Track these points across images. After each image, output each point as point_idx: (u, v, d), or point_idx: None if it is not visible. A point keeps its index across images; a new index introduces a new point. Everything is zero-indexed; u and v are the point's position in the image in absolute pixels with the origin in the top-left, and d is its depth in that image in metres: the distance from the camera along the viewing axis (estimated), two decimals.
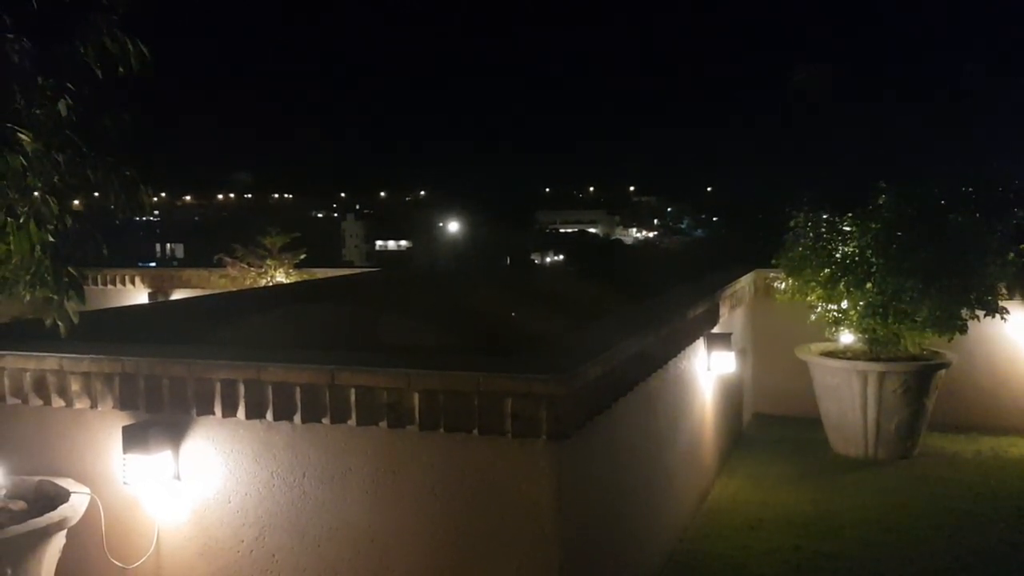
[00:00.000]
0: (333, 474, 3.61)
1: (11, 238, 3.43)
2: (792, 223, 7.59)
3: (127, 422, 3.86)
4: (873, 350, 7.13)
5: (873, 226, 7.01)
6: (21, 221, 3.42)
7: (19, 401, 4.09)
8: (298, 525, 3.67)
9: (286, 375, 3.58)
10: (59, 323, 3.61)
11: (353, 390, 3.48)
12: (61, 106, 3.50)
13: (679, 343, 5.23)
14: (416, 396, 3.40)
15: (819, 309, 7.34)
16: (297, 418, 3.59)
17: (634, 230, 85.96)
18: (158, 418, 3.83)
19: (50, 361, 3.99)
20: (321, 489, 3.62)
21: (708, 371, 6.23)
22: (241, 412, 3.66)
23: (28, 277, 3.54)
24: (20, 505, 3.68)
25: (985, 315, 6.90)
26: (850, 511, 5.85)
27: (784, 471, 6.77)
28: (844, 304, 7.15)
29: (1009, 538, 5.38)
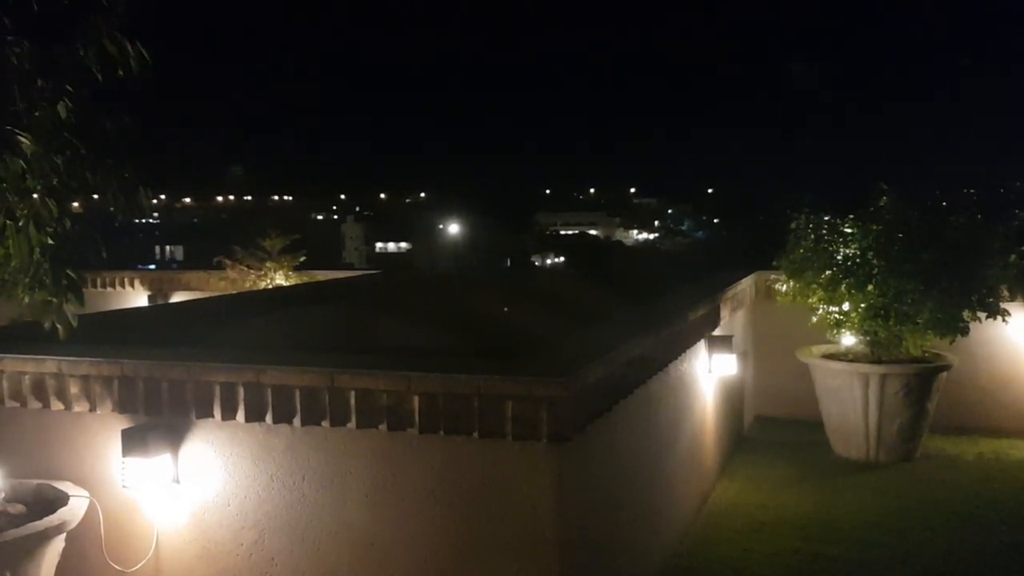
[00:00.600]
0: (333, 477, 3.59)
1: (10, 240, 3.42)
2: (793, 225, 7.58)
3: (126, 425, 3.84)
4: (874, 352, 7.11)
5: (874, 228, 7.01)
6: (20, 223, 3.41)
7: (18, 404, 4.08)
8: (297, 528, 3.65)
9: (285, 378, 3.57)
10: (58, 326, 3.59)
11: (353, 393, 3.47)
12: (60, 108, 3.48)
13: (680, 345, 5.21)
14: (416, 399, 3.39)
15: (820, 311, 7.33)
16: (297, 421, 3.58)
17: (635, 232, 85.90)
18: (157, 421, 3.82)
19: (49, 364, 3.98)
20: (321, 492, 3.61)
21: (709, 373, 6.22)
22: (240, 415, 3.65)
23: (27, 279, 3.53)
24: (19, 508, 3.67)
25: (986, 317, 6.90)
26: (851, 514, 5.83)
27: (785, 473, 6.76)
28: (845, 306, 7.14)
29: (1011, 540, 5.36)
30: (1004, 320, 6.93)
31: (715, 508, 6.00)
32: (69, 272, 3.58)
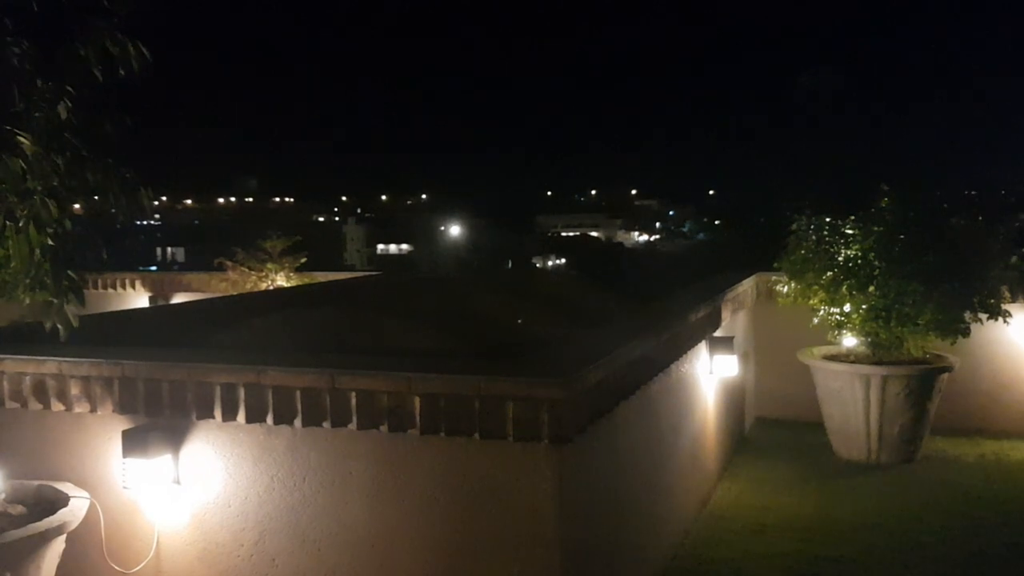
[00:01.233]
0: (334, 478, 3.59)
1: (10, 241, 3.42)
2: (794, 226, 7.57)
3: (127, 426, 3.84)
4: (876, 353, 7.10)
5: (876, 229, 7.00)
6: (20, 224, 3.41)
7: (18, 405, 4.08)
8: (298, 529, 3.65)
9: (286, 379, 3.57)
10: (58, 327, 3.59)
11: (354, 394, 3.47)
12: (61, 109, 3.49)
13: (681, 347, 5.21)
14: (417, 400, 3.39)
15: (821, 312, 7.32)
16: (298, 422, 3.58)
17: (636, 233, 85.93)
18: (158, 422, 3.82)
19: (49, 365, 3.98)
20: (322, 493, 3.61)
21: (710, 375, 6.22)
22: (241, 416, 3.65)
23: (27, 281, 3.53)
24: (19, 509, 3.66)
25: (988, 318, 6.89)
26: (852, 515, 5.82)
27: (786, 475, 6.75)
28: (846, 307, 7.13)
29: (1012, 541, 5.35)
30: (1005, 321, 6.93)
31: (716, 509, 5.99)
32: (70, 273, 3.59)
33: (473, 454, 3.40)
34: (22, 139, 3.41)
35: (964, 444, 7.47)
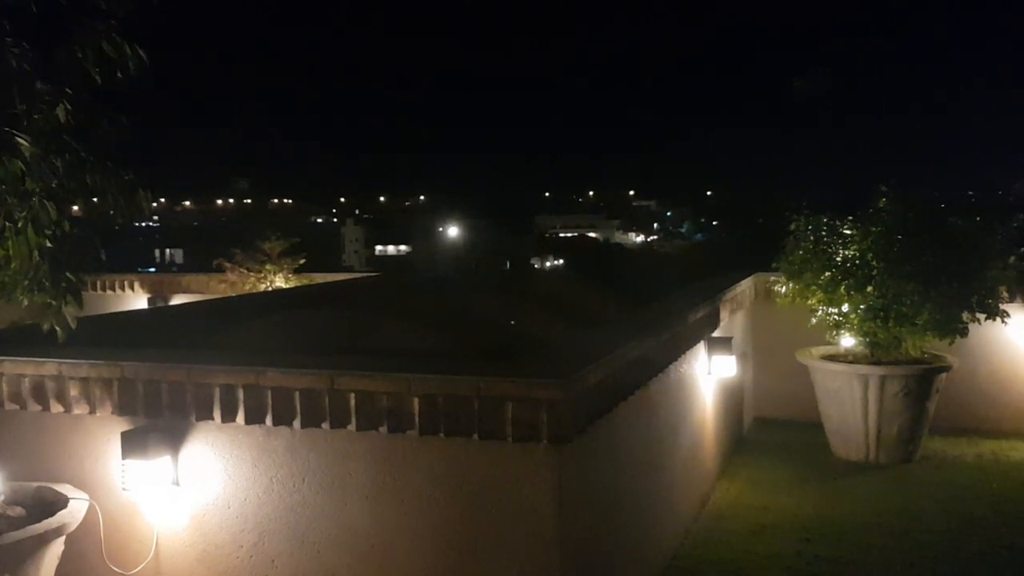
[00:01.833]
0: (333, 479, 3.59)
1: (9, 243, 3.42)
2: (792, 226, 7.57)
3: (126, 427, 3.84)
4: (874, 353, 7.11)
5: (874, 229, 7.00)
6: (19, 226, 3.41)
7: (17, 407, 4.08)
8: (298, 530, 3.65)
9: (285, 380, 3.57)
10: (57, 328, 3.60)
11: (353, 395, 3.47)
12: (60, 111, 3.49)
13: (680, 347, 5.21)
14: (416, 401, 3.39)
15: (820, 313, 7.32)
16: (297, 423, 3.58)
17: (634, 234, 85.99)
18: (157, 423, 3.81)
19: (48, 366, 3.98)
20: (321, 494, 3.61)
21: (709, 375, 6.22)
22: (240, 417, 3.65)
23: (26, 282, 3.53)
24: (18, 511, 3.66)
25: (986, 318, 6.90)
26: (851, 515, 5.83)
27: (785, 475, 6.76)
28: (845, 307, 7.14)
29: (1011, 541, 5.36)
30: (1003, 321, 6.94)
31: (715, 509, 6.00)
32: (68, 275, 3.59)
33: (472, 455, 3.40)
34: (21, 141, 3.41)
35: (963, 444, 7.48)
